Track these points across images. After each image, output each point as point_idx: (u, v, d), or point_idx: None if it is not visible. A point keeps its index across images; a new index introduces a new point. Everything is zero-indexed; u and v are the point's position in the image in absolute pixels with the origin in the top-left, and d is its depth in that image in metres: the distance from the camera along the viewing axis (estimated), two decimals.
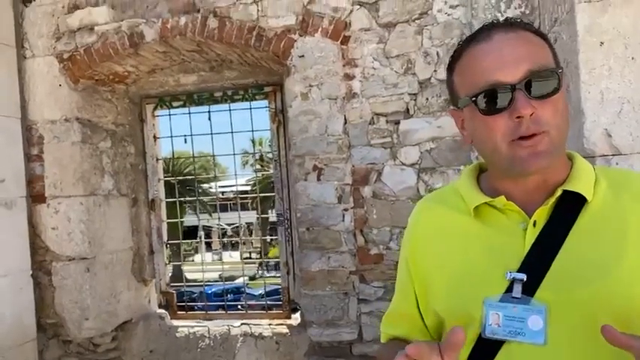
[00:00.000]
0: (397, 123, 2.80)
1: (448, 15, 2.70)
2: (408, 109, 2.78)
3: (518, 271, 0.81)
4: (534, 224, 0.84)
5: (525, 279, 0.80)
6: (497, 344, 0.82)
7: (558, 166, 0.87)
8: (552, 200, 0.84)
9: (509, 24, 0.85)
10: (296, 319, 3.29)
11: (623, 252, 0.80)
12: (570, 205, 0.84)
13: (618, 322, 0.73)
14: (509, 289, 0.81)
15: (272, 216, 3.58)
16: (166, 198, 3.86)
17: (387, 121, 2.81)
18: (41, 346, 3.23)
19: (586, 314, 0.78)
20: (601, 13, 1.83)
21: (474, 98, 0.83)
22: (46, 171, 3.18)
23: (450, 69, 0.92)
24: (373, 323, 2.82)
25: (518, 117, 0.79)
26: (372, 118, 2.82)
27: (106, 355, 3.32)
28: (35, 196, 3.20)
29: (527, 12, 2.44)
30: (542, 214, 0.84)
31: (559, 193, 0.84)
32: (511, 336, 0.80)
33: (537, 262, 0.81)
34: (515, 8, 2.46)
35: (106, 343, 3.32)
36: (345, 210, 2.85)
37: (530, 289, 0.80)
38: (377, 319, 2.84)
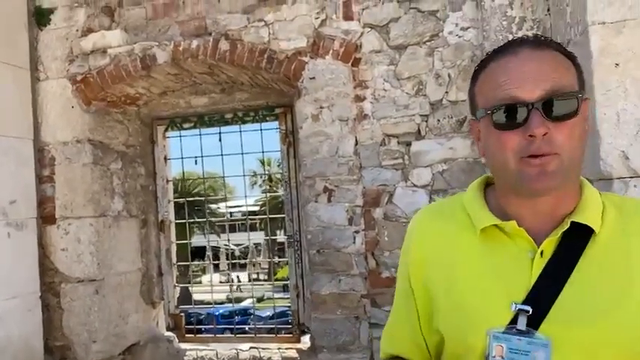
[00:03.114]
0: (409, 144, 2.78)
1: (459, 37, 2.70)
2: (419, 131, 2.77)
3: (524, 302, 0.80)
4: (542, 254, 0.82)
5: (531, 311, 0.79)
6: None
7: (569, 193, 0.85)
8: (560, 232, 0.82)
9: (539, 42, 0.84)
10: (305, 343, 3.23)
11: (628, 291, 0.79)
12: (578, 237, 0.82)
13: None
14: (514, 321, 0.80)
15: (280, 237, 3.56)
16: (175, 218, 3.86)
17: (398, 143, 2.80)
18: None
19: (589, 351, 0.77)
20: (615, 35, 1.82)
21: (489, 112, 0.83)
22: (57, 192, 3.19)
23: (474, 78, 0.91)
24: None
25: (531, 135, 0.78)
26: (383, 139, 2.80)
27: None
28: (45, 217, 3.20)
29: (539, 34, 2.43)
30: (550, 245, 0.83)
31: (567, 225, 0.82)
32: None
33: (543, 295, 0.80)
34: (527, 30, 2.46)
35: None
36: (356, 232, 2.82)
37: (535, 321, 0.79)
38: None
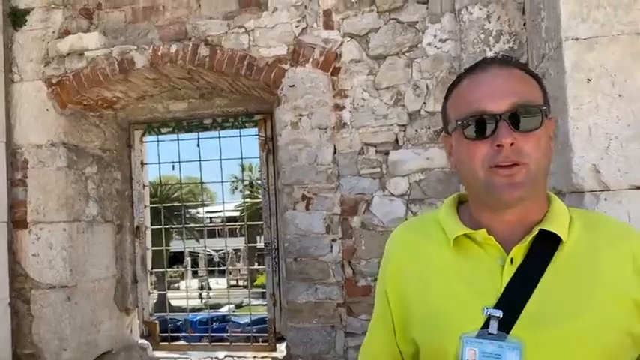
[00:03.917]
0: (386, 154, 2.80)
1: (438, 48, 2.73)
2: (397, 140, 2.78)
3: (495, 307, 0.83)
4: (511, 261, 0.86)
5: (501, 316, 0.81)
6: None
7: (537, 203, 0.89)
8: (529, 239, 0.86)
9: (506, 61, 0.91)
10: (281, 351, 3.21)
11: (592, 295, 0.82)
12: (546, 245, 0.86)
13: None
14: (486, 325, 0.82)
15: (260, 244, 3.55)
16: (153, 223, 3.81)
17: (376, 152, 2.81)
18: None
19: (559, 352, 0.80)
20: (588, 51, 1.86)
21: (459, 122, 0.87)
22: (30, 196, 3.12)
23: (447, 95, 0.96)
24: None
25: (499, 145, 0.82)
26: (362, 148, 2.81)
27: None
28: (17, 222, 3.13)
29: (516, 47, 2.48)
30: (519, 252, 0.86)
31: (535, 232, 0.86)
32: None
33: (513, 300, 0.83)
34: (504, 43, 2.49)
35: None
36: (334, 240, 2.82)
37: (506, 325, 0.81)
38: None
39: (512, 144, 0.82)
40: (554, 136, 2.10)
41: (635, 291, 0.82)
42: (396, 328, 0.97)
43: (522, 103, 0.84)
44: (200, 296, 16.63)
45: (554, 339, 0.80)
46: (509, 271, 0.84)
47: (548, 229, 0.85)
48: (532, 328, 0.81)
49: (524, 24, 2.47)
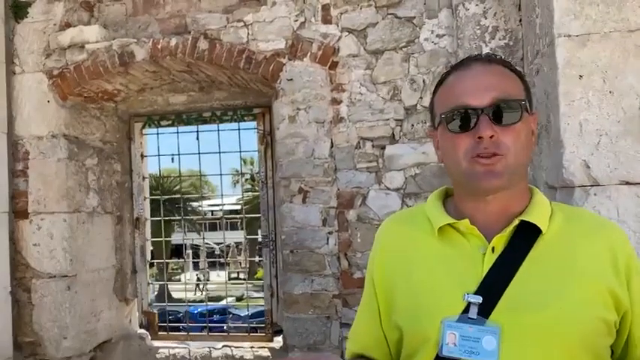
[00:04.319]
0: (383, 148, 2.82)
1: (435, 44, 2.75)
2: (393, 135, 2.81)
3: (475, 293, 0.86)
4: (492, 250, 0.89)
5: (481, 301, 0.85)
6: None
7: (518, 195, 0.93)
8: (510, 229, 0.90)
9: (489, 59, 0.96)
10: (278, 342, 3.25)
11: (569, 283, 0.86)
12: (526, 235, 0.89)
13: (564, 346, 0.83)
14: (466, 311, 0.86)
15: (260, 236, 3.58)
16: (155, 215, 3.85)
17: (372, 146, 2.84)
18: None
19: (536, 337, 0.83)
20: (580, 48, 1.88)
21: (444, 116, 0.92)
22: (31, 187, 3.16)
23: (435, 92, 1.00)
24: None
25: (480, 137, 0.86)
26: (359, 142, 2.84)
27: None
28: (18, 212, 3.17)
29: (512, 43, 2.50)
30: (500, 241, 0.90)
31: (516, 222, 0.90)
32: (466, 355, 0.84)
33: (493, 287, 0.86)
34: (500, 39, 2.51)
35: None
36: (330, 233, 2.85)
37: (485, 311, 0.85)
38: None
39: (492, 136, 0.86)
40: (546, 131, 2.12)
41: (611, 280, 0.85)
42: (382, 315, 1.01)
43: (503, 97, 0.88)
44: (197, 288, 16.70)
45: (531, 324, 0.83)
46: (490, 260, 0.88)
47: (528, 220, 0.89)
48: (510, 313, 0.84)
49: (520, 20, 2.49)
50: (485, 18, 2.52)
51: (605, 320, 0.85)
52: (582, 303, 0.84)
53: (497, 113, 0.87)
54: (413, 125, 2.77)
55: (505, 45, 2.50)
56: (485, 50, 2.51)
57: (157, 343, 3.47)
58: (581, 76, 1.89)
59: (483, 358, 0.83)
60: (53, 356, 3.15)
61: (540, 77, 2.17)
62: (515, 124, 0.88)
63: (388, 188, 2.80)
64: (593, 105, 1.87)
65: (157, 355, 3.37)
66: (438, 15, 2.74)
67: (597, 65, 1.87)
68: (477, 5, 2.53)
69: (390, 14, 2.80)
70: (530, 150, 0.93)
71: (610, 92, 1.86)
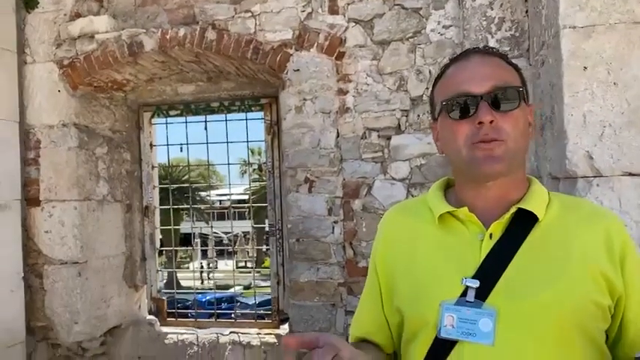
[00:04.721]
0: (388, 138, 2.84)
1: (441, 35, 2.76)
2: (399, 125, 2.83)
3: (473, 277, 0.89)
4: (490, 236, 0.92)
5: (478, 285, 0.88)
6: (450, 344, 0.89)
7: (516, 183, 0.96)
8: (507, 216, 0.93)
9: (486, 51, 0.99)
10: (284, 329, 3.31)
11: (564, 269, 0.88)
12: (523, 223, 0.92)
13: (558, 328, 0.85)
14: (464, 294, 0.89)
15: (267, 226, 3.63)
16: (164, 204, 3.90)
17: (378, 136, 2.86)
18: (30, 349, 3.24)
19: (531, 320, 0.86)
20: (585, 39, 1.89)
21: (444, 103, 0.94)
22: (42, 175, 3.22)
23: (434, 84, 1.03)
24: None
25: (480, 123, 0.89)
26: (364, 132, 2.86)
27: (94, 359, 3.34)
28: (30, 200, 3.24)
29: (517, 35, 2.50)
30: (497, 228, 0.93)
31: (513, 210, 0.93)
32: (463, 336, 0.87)
33: (490, 271, 0.89)
34: (506, 30, 2.51)
35: (95, 347, 3.34)
36: (335, 222, 2.89)
37: (482, 294, 0.88)
38: None
39: (491, 121, 0.89)
40: (550, 122, 2.13)
41: (605, 265, 0.88)
42: (384, 300, 1.05)
43: (502, 85, 0.91)
44: (201, 276, 16.84)
45: (526, 307, 0.86)
46: (487, 246, 0.91)
47: (525, 207, 0.92)
48: (506, 296, 0.87)
49: (527, 11, 2.49)
50: (492, 9, 2.52)
51: (600, 304, 0.87)
52: (576, 287, 0.86)
53: (496, 100, 0.90)
54: (419, 116, 2.78)
55: (511, 36, 2.50)
56: (492, 41, 2.52)
57: (165, 329, 3.53)
58: (585, 68, 1.90)
59: (480, 340, 0.86)
60: (65, 340, 3.23)
61: (545, 68, 2.18)
62: (513, 110, 0.91)
63: (394, 178, 2.83)
64: (597, 96, 1.88)
65: (166, 341, 3.44)
66: (445, 6, 2.74)
67: (602, 57, 1.88)
68: None
69: (397, 5, 2.81)
70: (528, 139, 0.96)
71: (614, 84, 1.87)
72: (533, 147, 2.43)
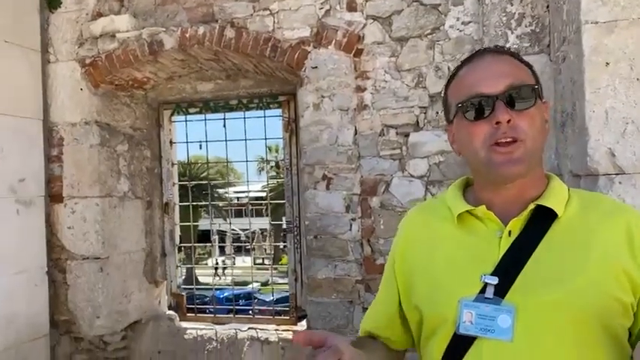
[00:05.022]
0: (407, 135, 2.84)
1: (460, 31, 2.74)
2: (417, 122, 2.82)
3: (492, 274, 0.89)
4: (509, 233, 0.92)
5: (497, 282, 0.88)
6: (469, 340, 0.89)
7: (534, 181, 0.95)
8: (526, 213, 0.93)
9: (499, 50, 1.00)
10: (302, 325, 3.33)
11: (584, 266, 0.87)
12: (542, 219, 0.92)
13: (577, 324, 0.85)
14: (483, 291, 0.89)
15: (284, 223, 3.65)
16: (182, 201, 3.95)
17: (396, 133, 2.85)
18: (53, 342, 3.32)
19: (549, 317, 0.85)
20: (607, 34, 1.86)
21: (460, 105, 0.94)
22: (65, 172, 3.29)
23: (447, 87, 1.03)
24: None
25: (497, 123, 0.89)
26: (382, 129, 2.86)
27: (115, 353, 3.40)
28: (53, 196, 3.31)
29: (538, 30, 2.47)
30: (516, 225, 0.93)
31: (532, 206, 0.93)
32: (482, 333, 0.87)
33: (509, 268, 0.89)
34: (526, 26, 2.49)
35: (116, 341, 3.40)
36: (353, 219, 2.89)
37: (501, 291, 0.88)
38: None
39: (509, 121, 0.88)
40: (571, 118, 2.11)
41: (626, 261, 0.87)
42: (402, 298, 1.05)
43: (517, 84, 0.91)
44: (216, 272, 16.97)
45: (545, 303, 0.86)
46: (506, 243, 0.91)
47: (544, 204, 0.92)
48: (525, 293, 0.87)
49: (547, 6, 2.46)
50: (512, 5, 2.50)
51: (621, 301, 0.86)
52: (596, 283, 0.85)
53: (511, 99, 0.90)
54: (437, 113, 2.77)
55: (531, 32, 2.47)
56: (512, 37, 2.49)
57: (185, 325, 3.58)
58: (607, 64, 1.87)
59: (498, 336, 0.86)
60: (87, 334, 3.30)
61: (566, 64, 2.15)
62: (529, 109, 0.91)
63: (412, 175, 2.82)
64: (619, 92, 1.85)
65: (185, 336, 3.48)
66: (464, 2, 2.72)
67: (624, 52, 1.85)
68: None
69: (416, 1, 2.80)
70: (545, 137, 0.95)
71: (637, 79, 1.84)
72: (554, 144, 2.40)
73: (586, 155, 1.89)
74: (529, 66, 0.97)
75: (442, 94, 1.05)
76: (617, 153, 1.85)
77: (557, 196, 0.94)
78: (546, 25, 2.46)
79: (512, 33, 2.49)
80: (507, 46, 2.50)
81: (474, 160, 0.94)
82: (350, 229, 2.89)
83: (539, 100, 0.93)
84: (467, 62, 0.99)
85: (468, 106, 0.93)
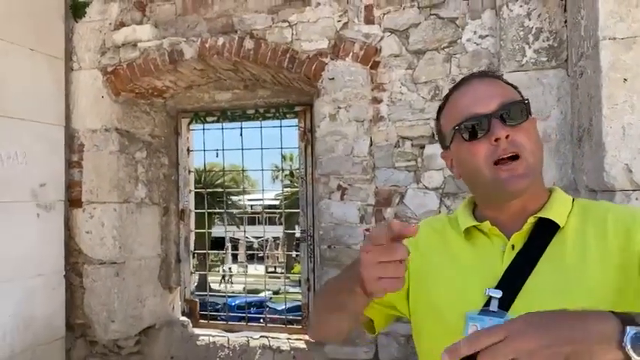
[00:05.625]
0: (422, 147, 2.85)
1: (477, 44, 2.75)
2: (433, 134, 2.82)
3: (496, 288, 0.91)
4: (512, 247, 0.95)
5: (501, 295, 0.89)
6: (474, 354, 0.89)
7: (536, 194, 0.98)
8: (527, 226, 0.95)
9: (486, 74, 1.06)
10: None
11: (581, 276, 0.89)
12: (544, 232, 0.94)
13: None
14: (487, 304, 0.90)
15: (298, 232, 3.68)
16: (197, 208, 4.00)
17: (412, 145, 2.87)
18: (69, 345, 3.36)
19: None
20: (625, 50, 1.86)
21: (456, 127, 0.97)
22: (84, 177, 3.35)
23: (438, 115, 1.07)
24: (390, 343, 2.85)
25: (497, 140, 0.92)
26: (398, 141, 2.88)
27: (128, 358, 3.43)
28: (72, 201, 3.37)
29: (556, 45, 2.48)
30: (519, 238, 0.95)
31: (532, 220, 0.95)
32: None
33: (512, 281, 0.91)
34: (544, 41, 2.49)
35: (130, 346, 3.43)
36: (367, 230, 2.90)
37: (505, 304, 0.89)
38: (393, 340, 2.87)
39: (507, 136, 0.91)
40: (588, 134, 2.10)
41: (626, 245, 0.88)
42: (411, 290, 1.06)
43: (507, 101, 0.94)
44: (224, 279, 16.99)
45: None
46: (509, 256, 0.94)
47: (545, 216, 0.94)
48: (529, 305, 0.86)
49: (565, 21, 2.46)
50: (530, 19, 2.51)
51: (621, 290, 0.86)
52: (594, 293, 0.87)
53: (505, 115, 0.93)
54: None
55: (549, 46, 2.48)
56: (529, 52, 2.50)
57: (197, 331, 3.60)
58: (625, 80, 1.87)
59: None
60: (102, 338, 3.34)
61: (584, 79, 2.15)
62: (523, 123, 0.94)
63: (426, 187, 2.83)
64: (637, 108, 1.85)
65: (198, 342, 3.51)
66: (481, 16, 2.74)
67: None
68: (521, 6, 2.52)
69: (433, 15, 2.82)
70: (542, 149, 0.98)
71: None
72: (571, 158, 2.39)
73: (603, 171, 1.89)
74: (514, 86, 1.01)
75: (434, 124, 1.08)
76: (634, 169, 1.85)
77: (558, 208, 0.96)
78: (564, 40, 2.46)
79: (529, 47, 2.50)
80: (525, 60, 2.51)
81: (478, 179, 0.97)
82: (364, 240, 2.90)
83: (530, 115, 0.96)
84: (455, 89, 1.02)
85: (464, 128, 0.96)
